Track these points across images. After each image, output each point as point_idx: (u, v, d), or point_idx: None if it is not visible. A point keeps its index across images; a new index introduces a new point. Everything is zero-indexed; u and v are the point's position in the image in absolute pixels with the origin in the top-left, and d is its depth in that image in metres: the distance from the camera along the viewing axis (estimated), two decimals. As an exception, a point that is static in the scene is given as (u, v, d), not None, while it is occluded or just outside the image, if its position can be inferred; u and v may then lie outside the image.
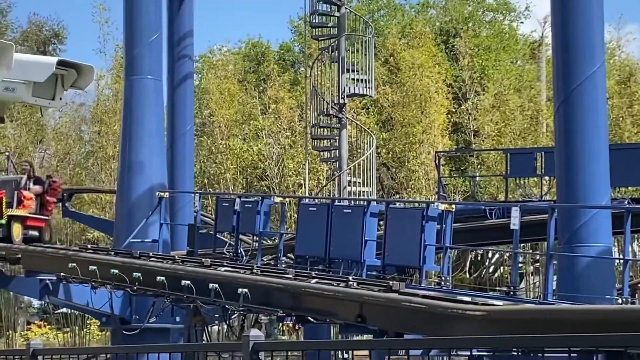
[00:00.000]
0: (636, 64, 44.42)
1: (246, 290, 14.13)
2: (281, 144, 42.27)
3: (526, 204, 20.47)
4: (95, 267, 17.34)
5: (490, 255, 42.94)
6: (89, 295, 18.77)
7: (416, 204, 23.48)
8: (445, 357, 5.71)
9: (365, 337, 20.96)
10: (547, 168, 24.19)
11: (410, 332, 12.28)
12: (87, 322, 44.26)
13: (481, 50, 44.65)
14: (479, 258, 44.01)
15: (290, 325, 15.16)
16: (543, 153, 25.26)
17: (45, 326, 51.27)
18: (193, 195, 26.30)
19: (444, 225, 16.12)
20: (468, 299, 12.36)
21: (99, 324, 40.34)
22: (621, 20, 45.60)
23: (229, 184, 41.80)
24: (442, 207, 15.87)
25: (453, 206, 15.90)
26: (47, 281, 19.73)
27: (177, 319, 19.83)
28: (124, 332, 19.18)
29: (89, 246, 21.15)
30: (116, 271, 16.91)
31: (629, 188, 28.05)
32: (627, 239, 14.13)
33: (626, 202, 19.12)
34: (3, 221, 21.41)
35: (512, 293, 14.47)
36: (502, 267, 44.79)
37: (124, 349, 9.06)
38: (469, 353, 11.12)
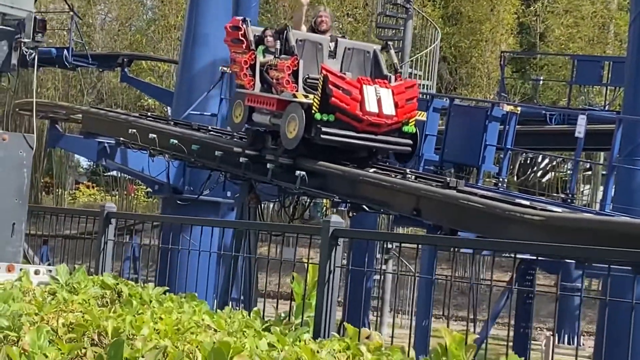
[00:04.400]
0: None
1: (304, 173, 14.20)
2: (343, 30, 41.88)
3: (591, 112, 20.23)
4: (154, 136, 17.41)
5: (540, 159, 42.70)
6: (146, 162, 18.95)
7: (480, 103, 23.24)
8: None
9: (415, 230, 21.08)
10: (614, 78, 23.87)
11: (464, 230, 12.32)
12: (135, 187, 44.82)
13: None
14: (528, 161, 43.78)
15: (345, 210, 15.21)
16: (611, 62, 24.92)
17: (93, 187, 52.05)
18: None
19: (506, 127, 16.07)
20: (527, 202, 12.31)
21: (147, 190, 40.89)
22: None
23: (288, 64, 41.58)
24: (507, 108, 15.79)
25: (519, 109, 15.81)
26: (106, 144, 19.91)
27: (228, 193, 20.02)
28: (178, 201, 19.43)
29: (149, 114, 21.25)
30: (175, 141, 16.99)
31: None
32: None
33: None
34: (412, 128, 13.98)
35: (569, 201, 14.45)
36: (552, 173, 44.58)
37: (205, 222, 9.12)
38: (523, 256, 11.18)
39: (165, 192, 20.21)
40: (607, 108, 25.38)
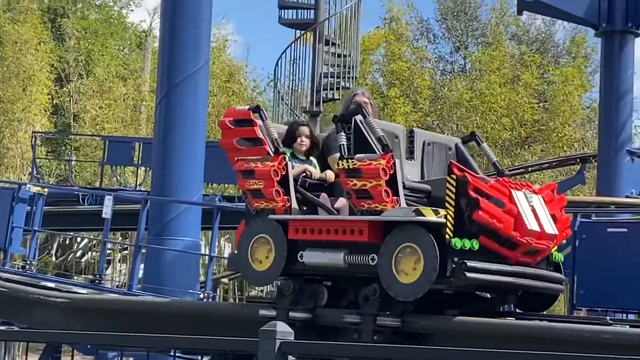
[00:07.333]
0: (236, 65, 45.64)
1: None
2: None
3: (120, 193, 20.52)
4: None
5: (79, 240, 42.67)
6: None
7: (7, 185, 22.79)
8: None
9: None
10: (145, 158, 24.45)
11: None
12: None
13: (88, 33, 44.19)
14: (67, 242, 43.56)
15: None
16: (142, 143, 25.52)
17: None
18: None
19: (34, 208, 15.87)
20: (53, 285, 12.20)
21: None
22: (224, 19, 46.71)
23: None
24: (35, 189, 15.59)
25: (46, 190, 15.65)
26: None
27: None
28: None
29: None
30: None
31: (223, 185, 28.89)
32: (214, 235, 14.61)
33: (217, 199, 19.66)
34: (560, 256, 9.62)
35: (97, 281, 14.50)
36: (90, 253, 44.62)
37: None
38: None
39: None
40: (139, 188, 25.86)
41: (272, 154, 9.32)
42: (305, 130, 9.80)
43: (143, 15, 69.76)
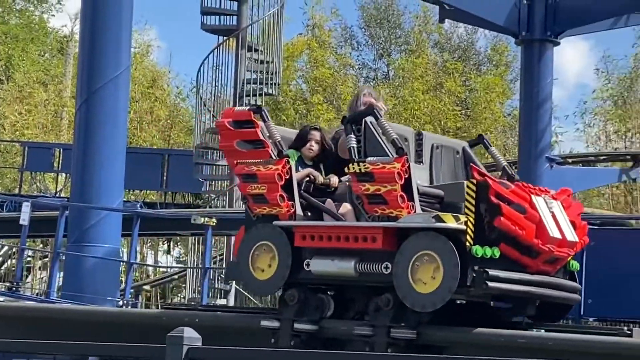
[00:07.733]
0: (159, 71, 45.39)
1: None
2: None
3: (38, 199, 20.29)
4: None
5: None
6: None
7: None
8: None
9: None
10: (65, 164, 24.23)
11: None
12: None
13: (9, 38, 43.67)
14: (-13, 250, 42.94)
15: None
16: (62, 149, 25.27)
17: None
18: None
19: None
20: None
21: None
22: (147, 24, 46.43)
23: None
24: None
25: (-39, 196, 15.44)
26: None
27: None
28: None
29: None
30: None
31: (145, 192, 28.71)
32: (134, 242, 14.51)
33: (139, 206, 19.54)
34: (577, 264, 9.12)
35: (15, 289, 14.32)
36: (10, 260, 43.98)
37: None
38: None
39: None
40: (60, 194, 25.61)
41: (275, 157, 8.80)
42: (316, 135, 9.25)
43: (64, 20, 69.02)
